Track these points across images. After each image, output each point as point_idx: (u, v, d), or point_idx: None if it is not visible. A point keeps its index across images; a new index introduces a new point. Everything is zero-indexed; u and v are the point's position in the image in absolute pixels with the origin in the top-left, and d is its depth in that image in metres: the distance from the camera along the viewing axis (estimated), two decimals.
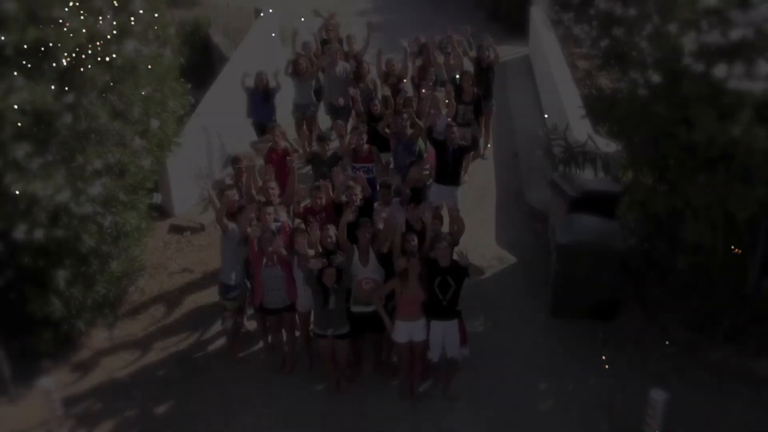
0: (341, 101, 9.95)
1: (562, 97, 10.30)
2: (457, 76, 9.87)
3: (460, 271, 6.57)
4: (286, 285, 6.97)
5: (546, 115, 11.44)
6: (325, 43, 10.61)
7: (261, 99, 9.56)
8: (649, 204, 6.93)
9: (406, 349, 6.80)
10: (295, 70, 9.82)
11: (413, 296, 6.57)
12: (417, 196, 7.63)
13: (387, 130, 8.65)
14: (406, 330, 6.71)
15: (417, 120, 8.70)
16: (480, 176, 10.54)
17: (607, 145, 7.81)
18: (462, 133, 8.45)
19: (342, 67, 10.01)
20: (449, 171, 8.33)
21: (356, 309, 6.87)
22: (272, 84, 9.65)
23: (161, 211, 9.60)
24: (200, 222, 9.69)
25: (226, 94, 11.12)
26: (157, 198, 7.95)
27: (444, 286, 6.57)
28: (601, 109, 6.96)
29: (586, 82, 7.65)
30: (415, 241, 6.63)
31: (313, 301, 6.80)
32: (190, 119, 9.36)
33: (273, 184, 7.57)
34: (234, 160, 8.08)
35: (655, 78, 5.73)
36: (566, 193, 8.18)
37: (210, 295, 8.48)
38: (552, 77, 11.25)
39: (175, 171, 9.54)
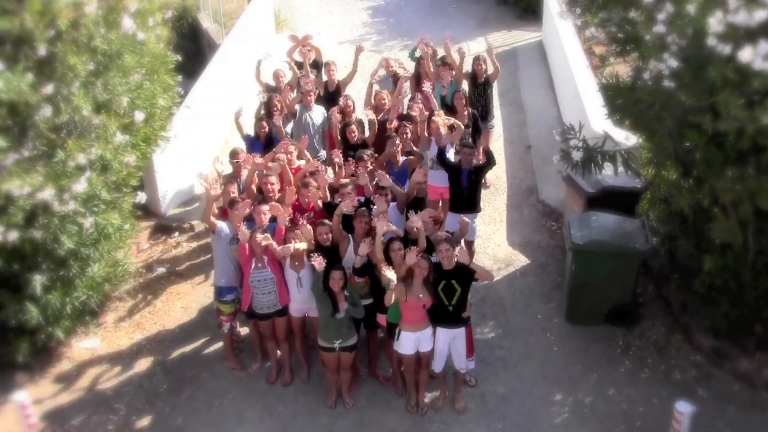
0: (322, 155, 8.77)
1: (578, 86, 10.30)
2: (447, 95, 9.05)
3: (466, 273, 6.55)
4: (277, 288, 6.96)
5: (561, 112, 11.40)
6: (300, 67, 9.46)
7: (262, 149, 8.34)
8: (672, 200, 6.91)
9: (412, 361, 6.79)
10: (269, 114, 8.61)
11: (418, 302, 6.55)
12: (418, 206, 7.41)
13: (375, 155, 8.10)
14: (412, 340, 6.68)
15: (414, 148, 8.21)
16: (491, 172, 10.38)
17: (627, 138, 7.80)
18: (471, 151, 7.87)
19: (318, 113, 8.86)
20: (465, 197, 7.87)
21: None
22: (272, 128, 8.54)
23: (147, 211, 9.59)
24: (189, 222, 9.69)
25: (217, 84, 11.15)
26: (142, 197, 7.92)
27: (449, 290, 6.56)
28: (619, 99, 6.90)
29: (603, 70, 7.58)
30: (402, 249, 6.57)
31: (319, 311, 6.76)
32: (178, 111, 9.33)
33: (273, 179, 7.53)
34: (232, 154, 8.07)
35: (676, 64, 5.69)
36: (583, 189, 8.18)
37: (200, 301, 8.50)
38: (567, 65, 11.25)
39: (163, 167, 9.53)
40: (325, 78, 9.54)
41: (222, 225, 7.11)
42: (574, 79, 10.59)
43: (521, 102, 12.38)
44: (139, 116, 7.15)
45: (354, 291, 6.76)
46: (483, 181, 8.76)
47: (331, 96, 9.23)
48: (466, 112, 8.95)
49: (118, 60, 6.56)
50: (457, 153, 8.06)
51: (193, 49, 13.66)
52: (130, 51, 6.81)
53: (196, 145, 10.20)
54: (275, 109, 8.59)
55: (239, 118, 8.62)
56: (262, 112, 8.81)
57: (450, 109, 8.94)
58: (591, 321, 7.85)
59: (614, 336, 7.73)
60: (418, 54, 10.11)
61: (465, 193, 7.90)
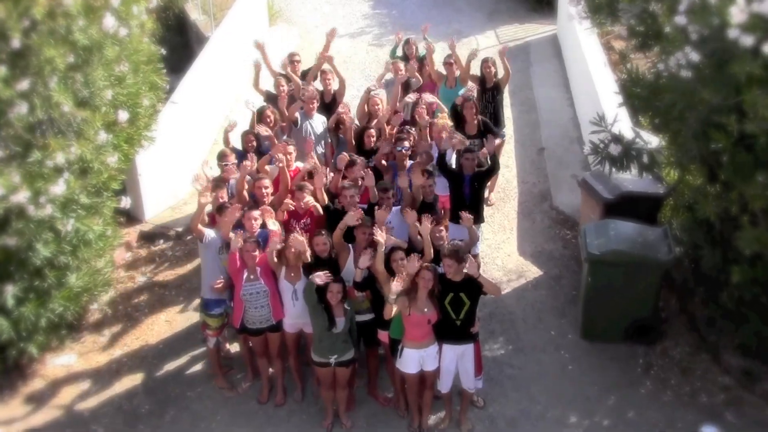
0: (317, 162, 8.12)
1: (596, 83, 10.30)
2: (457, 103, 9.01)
3: (474, 285, 6.56)
4: (271, 301, 6.96)
5: (577, 112, 11.35)
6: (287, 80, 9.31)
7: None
8: (697, 207, 6.88)
9: (416, 381, 6.79)
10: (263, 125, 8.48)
11: (423, 316, 6.54)
12: (425, 211, 7.35)
13: (384, 163, 8.18)
14: (416, 359, 6.67)
15: (425, 146, 8.28)
16: (500, 176, 10.54)
17: (648, 140, 7.79)
18: (473, 156, 7.87)
19: (319, 121, 8.87)
20: (467, 206, 7.74)
21: (359, 318, 6.92)
22: (263, 138, 8.39)
23: (130, 217, 9.59)
24: (175, 229, 9.71)
25: (206, 80, 11.15)
26: (125, 201, 7.92)
27: (457, 303, 6.55)
28: (640, 97, 6.90)
29: (622, 66, 7.59)
30: (404, 258, 6.56)
31: (313, 325, 6.76)
32: (164, 109, 9.33)
33: (267, 182, 7.52)
34: (221, 156, 8.07)
35: (699, 58, 5.68)
36: (600, 194, 8.19)
37: (186, 315, 8.50)
38: (584, 61, 11.26)
39: (147, 170, 9.53)
40: (320, 87, 9.51)
41: (210, 233, 7.12)
42: (592, 77, 10.60)
43: (534, 101, 12.40)
44: (123, 115, 7.13)
45: (352, 305, 6.77)
46: (486, 198, 8.65)
47: (327, 107, 9.24)
48: (475, 122, 8.96)
49: (99, 53, 6.54)
50: (458, 158, 8.07)
51: (180, 43, 13.65)
52: (113, 44, 6.80)
53: (183, 146, 10.21)
54: (268, 121, 8.53)
55: (230, 132, 8.54)
56: (256, 123, 8.67)
57: (459, 117, 8.96)
58: (609, 338, 7.85)
59: (634, 354, 7.72)
60: (399, 53, 10.08)
61: (467, 202, 7.89)
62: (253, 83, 9.46)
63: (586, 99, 11.10)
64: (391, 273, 6.58)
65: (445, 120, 8.58)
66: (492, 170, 8.16)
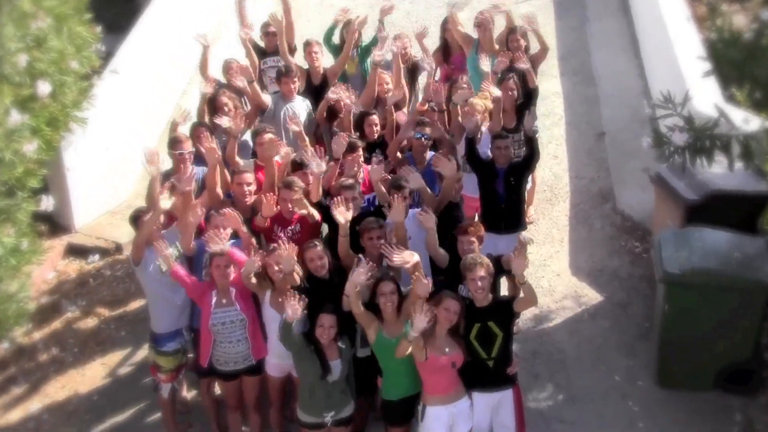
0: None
1: (675, 46, 10.31)
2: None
3: (506, 309, 6.61)
4: (250, 334, 6.98)
5: (649, 84, 11.35)
6: (263, 54, 9.65)
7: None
8: None
9: None
10: (214, 114, 8.52)
11: (445, 358, 6.49)
12: (450, 215, 7.48)
13: (399, 155, 8.28)
14: (444, 419, 6.60)
15: (445, 134, 8.44)
16: (547, 169, 10.55)
17: (745, 121, 7.72)
18: (508, 143, 8.01)
19: (302, 106, 8.93)
20: (501, 209, 7.96)
21: (362, 353, 6.93)
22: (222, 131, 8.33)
23: (54, 225, 9.64)
24: (114, 240, 9.71)
25: (157, 42, 11.24)
26: (47, 203, 7.82)
27: (486, 336, 6.56)
28: (735, 62, 6.83)
29: (711, 22, 7.51)
30: (394, 291, 6.49)
31: (299, 373, 6.78)
32: (100, 81, 9.25)
33: (249, 176, 7.58)
34: (173, 142, 8.07)
35: None
36: (680, 194, 8.22)
37: (130, 353, 8.52)
38: (659, 16, 11.30)
39: (77, 163, 9.54)
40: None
41: (148, 253, 7.09)
42: (670, 37, 10.63)
43: (591, 70, 12.47)
44: (44, 87, 7.03)
45: (348, 343, 6.74)
46: (525, 213, 8.75)
47: (316, 91, 9.17)
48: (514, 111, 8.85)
49: (9, 3, 6.44)
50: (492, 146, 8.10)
51: None
52: None
53: (127, 131, 10.23)
54: (225, 110, 8.47)
55: (181, 124, 8.43)
56: (206, 114, 8.72)
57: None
58: (693, 385, 7.85)
59: (728, 407, 7.71)
60: (335, 39, 9.89)
61: (501, 203, 7.98)
62: (200, 67, 9.33)
63: (662, 66, 11.11)
64: (376, 311, 6.54)
65: (485, 100, 8.53)
66: (531, 159, 8.18)
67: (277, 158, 8.04)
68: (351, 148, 7.83)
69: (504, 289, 7.76)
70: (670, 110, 7.27)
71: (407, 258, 6.55)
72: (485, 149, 8.22)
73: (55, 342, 8.65)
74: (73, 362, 8.46)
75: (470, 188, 8.31)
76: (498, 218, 7.99)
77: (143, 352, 8.20)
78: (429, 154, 8.19)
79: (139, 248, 7.12)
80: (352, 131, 8.44)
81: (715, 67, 7.14)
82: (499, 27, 9.85)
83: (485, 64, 8.88)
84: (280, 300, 6.80)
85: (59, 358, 8.49)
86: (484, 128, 8.47)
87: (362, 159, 7.98)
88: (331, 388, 6.62)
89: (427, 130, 8.18)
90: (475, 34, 9.85)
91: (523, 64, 8.81)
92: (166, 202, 7.05)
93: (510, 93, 8.78)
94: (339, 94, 8.58)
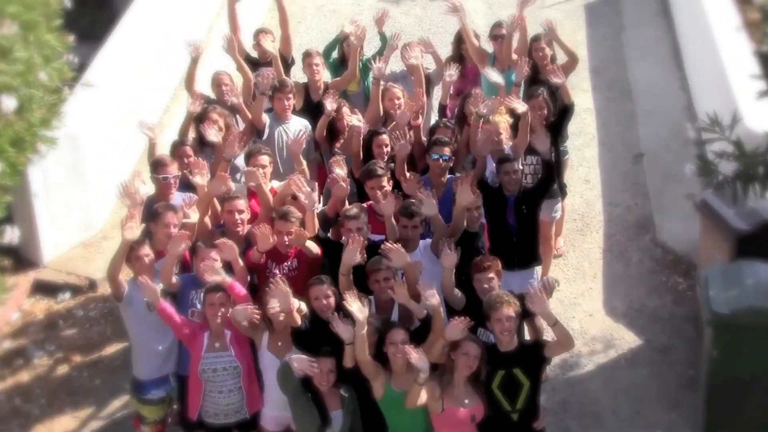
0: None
1: (724, 57, 10.32)
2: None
3: (534, 354, 6.55)
4: (245, 383, 6.96)
5: (693, 100, 11.28)
6: (254, 65, 9.50)
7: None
8: None
9: None
10: (202, 140, 8.51)
11: (464, 411, 6.43)
12: (469, 244, 7.45)
13: (409, 176, 8.07)
14: None
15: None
16: (578, 195, 10.56)
17: None
18: (514, 167, 7.96)
19: (298, 126, 8.85)
20: (514, 242, 7.98)
21: None
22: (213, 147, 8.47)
23: (20, 258, 9.63)
24: (87, 276, 9.71)
25: (136, 52, 11.25)
26: (11, 235, 7.77)
27: (511, 385, 6.50)
28: None
29: (764, 31, 7.50)
30: (406, 341, 6.35)
31: (297, 424, 6.79)
32: (72, 96, 9.22)
33: (242, 203, 7.55)
34: (155, 165, 8.04)
35: None
36: (730, 223, 8.21)
37: (106, 407, 8.43)
38: (706, 23, 11.31)
39: (46, 187, 9.53)
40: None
41: (129, 288, 7.10)
42: (717, 47, 10.64)
43: (627, 83, 12.53)
44: (8, 103, 7.04)
45: (352, 391, 6.64)
46: (555, 246, 8.83)
47: (315, 108, 9.09)
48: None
49: None
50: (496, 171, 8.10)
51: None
52: None
53: (102, 152, 10.21)
54: (216, 127, 8.44)
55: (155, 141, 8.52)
56: (191, 132, 8.74)
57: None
58: None
59: None
60: (335, 55, 9.90)
61: (513, 236, 8.00)
62: (186, 81, 9.30)
63: (707, 80, 11.14)
64: (384, 361, 6.48)
65: (503, 117, 8.44)
66: (547, 182, 8.15)
67: (272, 185, 8.00)
68: (368, 174, 7.74)
69: (526, 334, 7.66)
70: (717, 134, 7.23)
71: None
72: (490, 173, 8.19)
73: (19, 393, 8.63)
74: (40, 416, 8.42)
75: None
76: (510, 253, 7.87)
77: (120, 402, 8.21)
78: (447, 177, 8.14)
79: (113, 281, 7.08)
80: (362, 155, 8.37)
81: None
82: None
83: (494, 77, 8.82)
84: (279, 344, 6.83)
85: (24, 411, 8.46)
86: (506, 148, 8.40)
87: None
88: None
89: (446, 151, 8.09)
90: (490, 48, 9.82)
91: (558, 78, 8.71)
92: (131, 232, 6.99)
93: (540, 112, 8.67)
94: (342, 110, 8.57)
